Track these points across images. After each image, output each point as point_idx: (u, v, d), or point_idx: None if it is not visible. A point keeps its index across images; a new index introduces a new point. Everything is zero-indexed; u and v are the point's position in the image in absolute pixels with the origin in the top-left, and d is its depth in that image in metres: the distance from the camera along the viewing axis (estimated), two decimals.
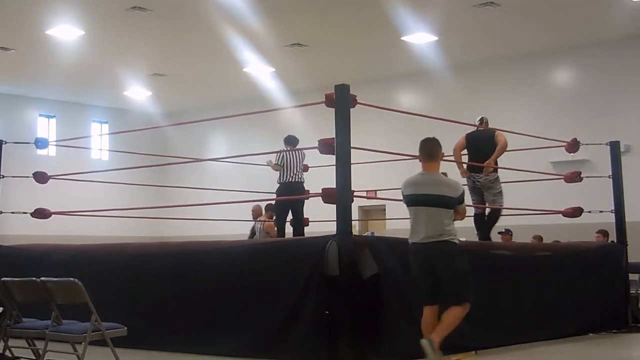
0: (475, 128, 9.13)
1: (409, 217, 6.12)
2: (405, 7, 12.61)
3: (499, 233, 11.12)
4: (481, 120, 9.20)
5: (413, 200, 6.01)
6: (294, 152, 10.00)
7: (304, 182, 10.15)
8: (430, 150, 6.18)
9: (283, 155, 9.97)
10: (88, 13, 13.22)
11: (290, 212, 10.15)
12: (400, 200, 6.23)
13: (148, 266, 7.74)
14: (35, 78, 17.54)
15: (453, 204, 6.01)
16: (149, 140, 18.31)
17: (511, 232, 11.42)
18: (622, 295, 9.31)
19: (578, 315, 8.56)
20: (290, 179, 9.95)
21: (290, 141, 10.44)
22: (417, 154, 6.27)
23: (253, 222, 12.15)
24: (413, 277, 6.06)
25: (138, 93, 18.97)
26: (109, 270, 7.94)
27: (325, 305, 6.32)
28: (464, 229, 9.37)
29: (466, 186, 8.58)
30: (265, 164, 10.36)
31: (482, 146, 8.86)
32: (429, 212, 5.92)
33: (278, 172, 10.02)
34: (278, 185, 10.03)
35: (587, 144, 9.95)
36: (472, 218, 8.92)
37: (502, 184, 8.96)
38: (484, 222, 8.96)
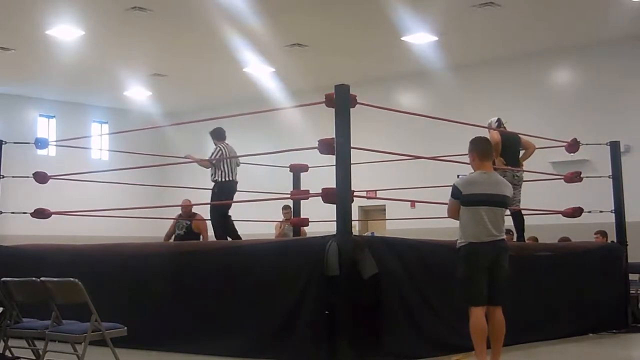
0: (488, 128, 9.26)
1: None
2: (405, 7, 12.61)
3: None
4: (499, 121, 9.31)
5: (476, 200, 5.84)
6: (229, 148, 9.82)
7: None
8: (487, 150, 6.10)
9: (221, 151, 9.77)
10: (88, 13, 13.22)
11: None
12: (400, 200, 6.23)
13: (148, 266, 7.74)
14: (35, 78, 17.54)
15: (509, 204, 6.07)
16: (149, 140, 18.31)
17: (512, 232, 11.42)
18: (622, 295, 9.31)
19: (578, 315, 8.55)
20: (231, 177, 9.78)
21: (223, 135, 10.15)
22: (417, 154, 6.26)
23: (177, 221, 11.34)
24: (466, 277, 5.84)
25: (138, 93, 18.97)
26: (109, 270, 7.94)
27: (325, 305, 6.32)
28: None
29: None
30: (184, 156, 10.05)
31: (512, 145, 9.13)
32: (492, 212, 5.83)
33: (210, 169, 9.74)
34: (214, 182, 9.79)
35: (587, 144, 9.94)
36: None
37: None
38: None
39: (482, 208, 5.82)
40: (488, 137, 6.26)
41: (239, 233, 10.00)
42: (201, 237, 10.90)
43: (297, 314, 6.49)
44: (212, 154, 9.91)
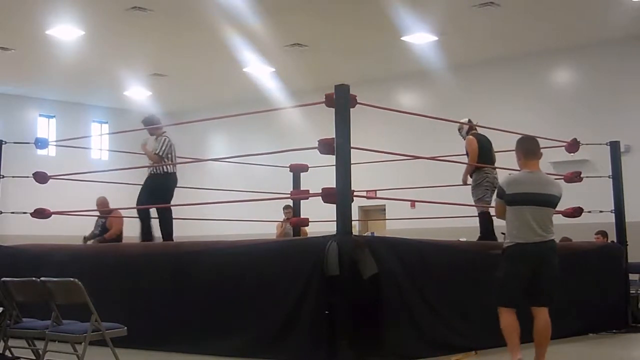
0: (468, 130, 9.24)
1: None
2: (405, 7, 12.61)
3: (502, 234, 11.10)
4: (470, 122, 9.31)
5: (521, 199, 5.70)
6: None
7: None
8: (534, 148, 5.93)
9: (169, 142, 9.25)
10: (88, 13, 13.23)
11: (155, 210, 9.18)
12: (400, 200, 6.22)
13: (148, 266, 7.74)
14: (35, 78, 17.55)
15: (557, 203, 5.88)
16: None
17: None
18: (622, 295, 9.31)
19: (578, 315, 8.55)
20: (173, 169, 9.29)
21: (159, 123, 9.61)
22: (417, 154, 6.24)
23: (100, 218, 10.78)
24: (503, 276, 5.74)
25: (138, 93, 18.97)
26: (109, 270, 7.94)
27: (325, 305, 6.32)
28: (466, 229, 9.42)
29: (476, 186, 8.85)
30: (141, 149, 9.25)
31: (487, 148, 9.07)
32: (539, 212, 5.70)
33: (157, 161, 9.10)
34: (153, 175, 9.25)
35: (587, 144, 9.94)
36: (478, 217, 9.04)
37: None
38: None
39: (526, 208, 5.68)
40: (532, 137, 6.04)
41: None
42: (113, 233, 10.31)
43: (297, 314, 6.49)
44: (161, 145, 9.27)
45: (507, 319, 5.76)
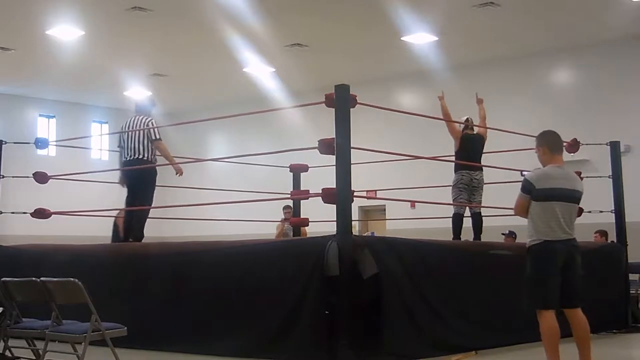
0: (462, 129, 9.34)
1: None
2: (405, 7, 12.62)
3: (503, 234, 11.13)
4: (467, 120, 9.37)
5: (551, 195, 5.46)
6: (131, 121, 8.82)
7: (145, 158, 8.74)
8: (560, 143, 5.78)
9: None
10: (88, 13, 13.24)
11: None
12: (400, 200, 6.20)
13: (148, 266, 7.74)
14: (35, 78, 17.55)
15: (580, 199, 5.69)
16: None
17: (515, 234, 11.38)
18: (622, 295, 9.31)
19: None
20: (124, 156, 8.81)
21: (136, 107, 9.15)
22: (417, 154, 6.22)
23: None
24: (538, 277, 5.52)
25: (138, 93, 18.96)
26: (109, 270, 7.94)
27: (325, 305, 6.32)
28: (466, 229, 9.41)
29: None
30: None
31: (475, 147, 9.17)
32: (567, 208, 5.50)
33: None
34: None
35: (587, 144, 9.94)
36: (451, 218, 9.11)
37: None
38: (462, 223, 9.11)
39: (556, 203, 5.45)
40: (555, 131, 5.85)
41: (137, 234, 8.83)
42: None
43: (297, 314, 6.49)
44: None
45: (550, 322, 5.57)
